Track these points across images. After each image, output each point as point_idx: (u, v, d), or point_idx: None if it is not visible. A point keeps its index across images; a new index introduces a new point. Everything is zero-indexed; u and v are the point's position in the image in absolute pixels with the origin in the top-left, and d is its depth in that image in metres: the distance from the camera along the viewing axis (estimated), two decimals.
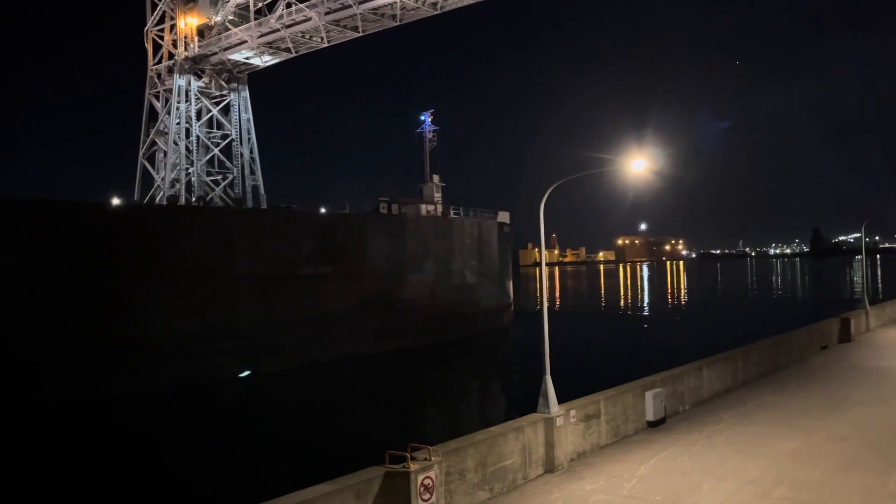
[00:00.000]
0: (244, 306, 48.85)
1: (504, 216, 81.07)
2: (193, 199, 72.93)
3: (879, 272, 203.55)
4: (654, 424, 20.45)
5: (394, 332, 57.32)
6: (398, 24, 63.95)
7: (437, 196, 75.02)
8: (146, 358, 42.56)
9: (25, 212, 40.81)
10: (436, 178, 76.27)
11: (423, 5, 61.31)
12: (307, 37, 68.08)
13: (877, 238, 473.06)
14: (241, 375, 43.99)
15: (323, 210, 60.89)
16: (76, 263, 41.41)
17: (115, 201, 49.40)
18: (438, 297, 64.23)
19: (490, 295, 73.52)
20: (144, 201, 73.54)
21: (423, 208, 71.12)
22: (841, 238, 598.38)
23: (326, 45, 68.43)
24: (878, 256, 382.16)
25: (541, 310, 18.43)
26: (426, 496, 12.88)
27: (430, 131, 77.56)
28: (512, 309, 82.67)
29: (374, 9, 61.76)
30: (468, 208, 75.41)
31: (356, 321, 55.11)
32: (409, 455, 13.01)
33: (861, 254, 55.00)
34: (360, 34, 65.70)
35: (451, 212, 73.04)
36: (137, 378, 41.48)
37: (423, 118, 78.52)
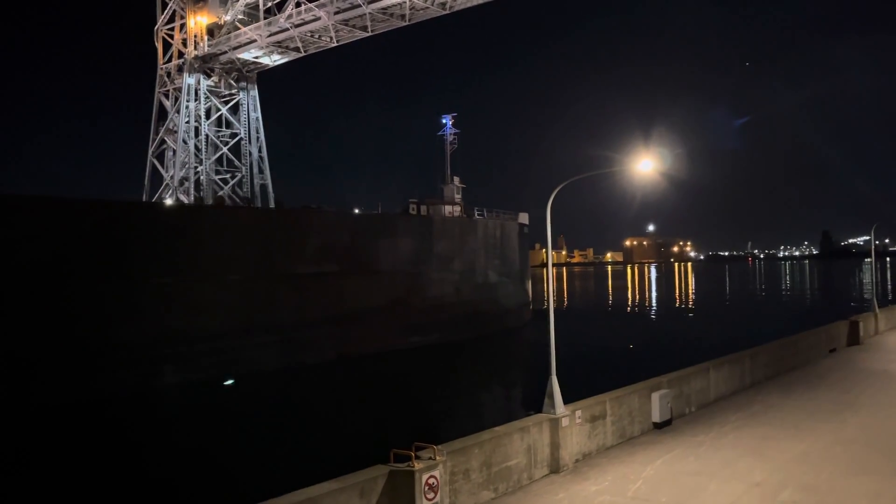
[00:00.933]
0: (283, 303, 50.82)
1: (524, 217, 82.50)
2: (200, 195, 73.19)
3: (889, 275, 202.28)
4: (660, 426, 20.39)
5: (421, 329, 59.18)
6: (407, 23, 63.95)
7: (458, 197, 76.76)
8: (194, 350, 44.61)
9: (87, 212, 43.29)
10: (456, 179, 78.04)
11: (432, 5, 61.28)
12: (316, 36, 68.18)
13: (886, 241, 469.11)
14: (226, 384, 44.12)
15: (356, 210, 63.46)
16: (135, 261, 43.86)
17: (168, 202, 50.63)
18: (464, 295, 66.06)
19: (511, 294, 75.13)
20: (154, 199, 73.84)
21: (446, 209, 72.79)
22: (850, 240, 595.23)
23: (335, 44, 68.51)
24: (887, 259, 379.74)
25: (547, 311, 18.40)
26: (430, 495, 12.88)
27: (451, 134, 79.18)
28: (531, 308, 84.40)
29: (383, 8, 61.78)
30: (491, 209, 77.23)
31: (386, 317, 56.97)
32: (413, 454, 13.02)
33: (870, 256, 54.66)
34: (370, 34, 65.73)
35: (476, 213, 74.74)
36: (186, 369, 43.74)
37: (444, 121, 79.76)
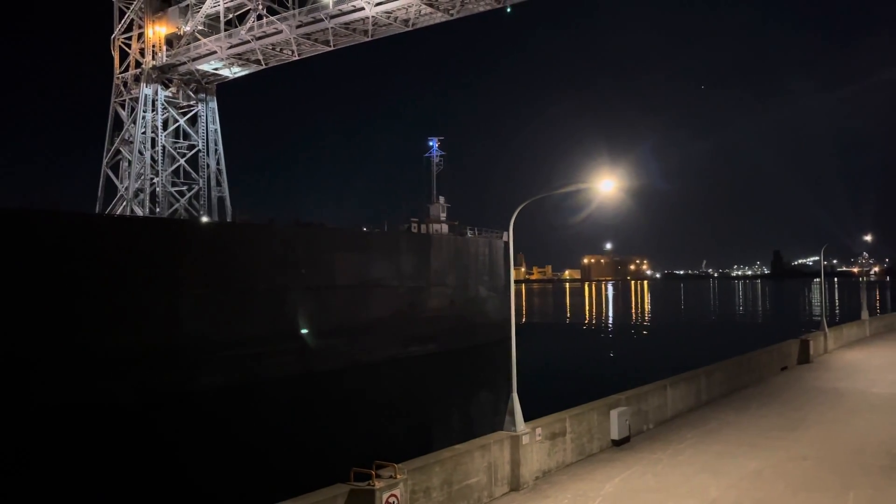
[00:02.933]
0: (304, 314, 55.04)
1: (505, 235, 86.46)
2: (157, 209, 71.90)
3: (837, 295, 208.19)
4: (618, 443, 20.55)
5: (421, 339, 64.10)
6: (370, 39, 64.10)
7: (443, 216, 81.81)
8: (225, 357, 48.11)
9: (147, 228, 49.22)
10: (441, 199, 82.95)
11: (395, 22, 61.57)
12: (278, 49, 67.87)
13: (835, 261, 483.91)
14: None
15: (365, 229, 70.12)
16: (179, 274, 47.93)
17: (205, 219, 56.48)
18: (457, 308, 70.35)
19: (498, 308, 78.24)
20: (107, 211, 72.30)
21: (433, 227, 78.24)
22: (800, 261, 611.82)
23: (297, 58, 68.27)
24: (835, 279, 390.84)
25: (508, 329, 18.44)
26: None
27: (437, 156, 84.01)
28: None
29: (346, 24, 61.87)
30: (481, 228, 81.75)
31: (391, 328, 61.86)
32: (374, 472, 12.89)
33: (820, 276, 56.16)
34: (332, 48, 65.68)
35: (468, 231, 79.36)
36: (217, 373, 47.26)
37: (431, 143, 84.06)
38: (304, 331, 48.40)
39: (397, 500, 12.91)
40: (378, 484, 12.68)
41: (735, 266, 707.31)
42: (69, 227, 44.99)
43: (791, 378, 33.33)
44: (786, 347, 37.25)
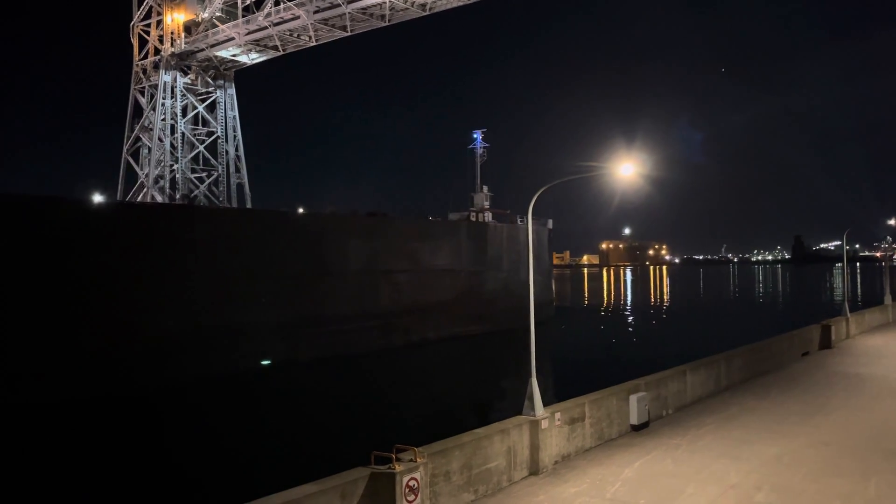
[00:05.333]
0: (383, 295, 61.08)
1: (549, 223, 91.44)
2: (178, 196, 72.46)
3: (859, 280, 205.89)
4: (637, 428, 20.56)
5: (479, 319, 69.34)
6: (387, 24, 63.89)
7: (487, 204, 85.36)
8: (322, 332, 53.59)
9: (235, 219, 54.76)
10: (485, 188, 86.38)
11: (412, 6, 61.31)
12: (295, 35, 67.83)
13: (857, 246, 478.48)
14: (264, 363, 49.12)
15: (430, 217, 76.89)
16: (281, 262, 53.04)
17: (300, 210, 62.31)
18: (510, 291, 73.01)
19: (542, 291, 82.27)
20: (128, 197, 72.98)
21: (483, 216, 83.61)
22: (822, 245, 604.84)
23: (314, 43, 68.22)
24: (857, 264, 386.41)
25: (528, 315, 18.45)
26: (411, 497, 12.88)
27: (480, 148, 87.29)
28: (553, 304, 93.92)
29: (363, 8, 61.64)
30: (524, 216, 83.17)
31: (453, 309, 67.61)
32: (394, 456, 13.00)
33: (842, 261, 55.55)
34: (349, 34, 65.54)
35: (519, 220, 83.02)
36: (316, 347, 52.39)
37: (475, 136, 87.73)
38: (265, 362, 50.04)
39: (417, 483, 13.03)
40: (398, 467, 12.79)
41: (755, 251, 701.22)
42: (219, 223, 53.11)
43: (812, 364, 33.12)
44: (807, 333, 36.99)
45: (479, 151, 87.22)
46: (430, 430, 17.16)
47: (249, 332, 48.84)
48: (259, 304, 50.42)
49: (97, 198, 48.41)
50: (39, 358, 39.72)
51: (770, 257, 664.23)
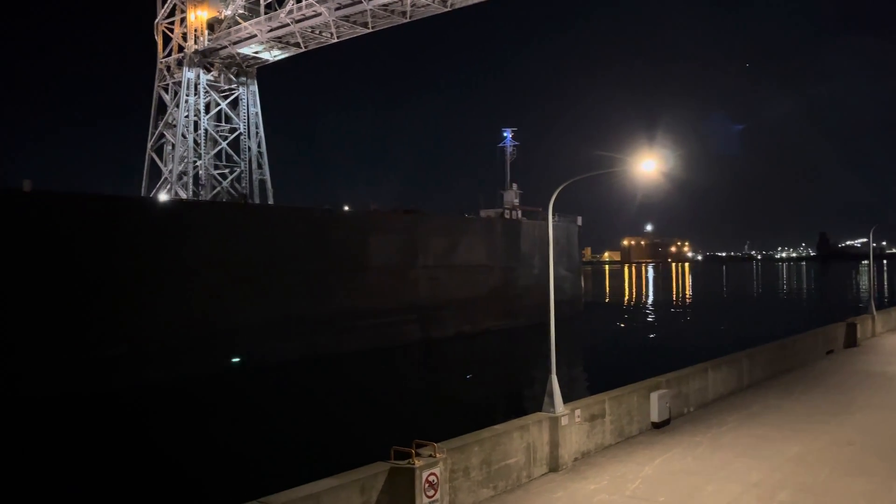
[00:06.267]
0: (421, 289, 63.64)
1: (579, 220, 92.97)
2: (200, 192, 73.09)
3: (886, 277, 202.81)
4: (658, 426, 20.44)
5: (512, 314, 71.52)
6: (408, 20, 63.91)
7: (516, 201, 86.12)
8: (363, 324, 56.24)
9: (295, 217, 57.03)
10: (514, 185, 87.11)
11: (433, 2, 61.24)
12: (317, 32, 68.10)
13: (884, 243, 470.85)
14: (234, 361, 48.47)
15: (466, 215, 78.88)
16: (325, 257, 55.64)
17: (346, 208, 65.32)
18: (542, 287, 73.86)
19: (572, 287, 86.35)
20: (152, 194, 73.75)
21: (511, 213, 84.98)
22: (848, 242, 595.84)
23: (336, 40, 68.44)
24: (884, 262, 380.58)
25: (548, 312, 18.42)
26: (430, 492, 12.92)
27: (510, 146, 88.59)
28: (582, 300, 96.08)
29: (384, 5, 61.70)
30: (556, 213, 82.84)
31: (488, 304, 70.09)
32: (413, 451, 13.05)
33: (868, 258, 54.73)
34: (370, 30, 65.69)
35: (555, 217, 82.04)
36: (358, 339, 54.97)
37: (505, 134, 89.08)
38: (235, 360, 50.60)
39: (437, 478, 13.06)
40: (418, 462, 12.84)
41: (779, 248, 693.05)
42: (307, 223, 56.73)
43: (837, 362, 32.72)
44: (832, 330, 36.54)
45: (510, 150, 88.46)
46: (451, 426, 17.23)
47: (297, 325, 51.64)
48: (311, 298, 53.71)
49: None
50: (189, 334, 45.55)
51: (795, 254, 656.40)
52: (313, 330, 52.41)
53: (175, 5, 75.40)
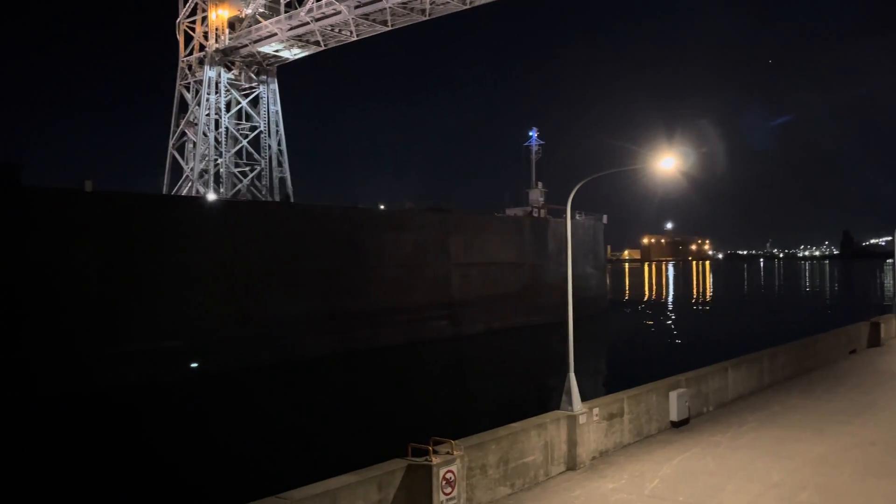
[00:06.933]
0: (454, 286, 65.48)
1: (604, 218, 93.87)
2: (221, 190, 73.62)
3: None
4: (677, 425, 20.33)
5: (540, 310, 71.27)
6: (427, 18, 63.90)
7: (541, 200, 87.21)
8: (397, 320, 57.85)
9: (333, 216, 58.25)
10: (539, 184, 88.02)
11: (452, 0, 61.21)
12: (336, 30, 68.34)
13: None
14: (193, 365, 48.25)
15: (497, 214, 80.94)
16: (364, 254, 57.54)
17: (382, 207, 67.73)
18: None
19: (597, 284, 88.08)
20: (174, 192, 74.43)
21: (539, 211, 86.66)
22: (872, 241, 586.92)
23: (356, 38, 68.63)
24: None
25: (566, 312, 18.37)
26: (447, 490, 12.95)
27: (536, 145, 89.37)
28: (607, 298, 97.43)
29: (404, 3, 61.77)
30: (582, 211, 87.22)
31: (517, 300, 71.38)
32: (431, 448, 13.09)
33: (893, 257, 53.99)
34: (389, 28, 65.79)
35: (576, 215, 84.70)
36: (395, 334, 56.75)
37: (530, 133, 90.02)
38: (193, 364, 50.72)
39: (454, 475, 13.09)
40: (435, 460, 12.87)
41: (802, 246, 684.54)
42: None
43: (860, 361, 32.35)
44: (855, 330, 36.13)
45: (535, 149, 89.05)
46: (470, 423, 17.24)
47: (334, 321, 53.36)
48: (347, 294, 55.56)
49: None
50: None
51: (817, 253, 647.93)
52: (349, 325, 54.06)
53: (196, 4, 76.02)
